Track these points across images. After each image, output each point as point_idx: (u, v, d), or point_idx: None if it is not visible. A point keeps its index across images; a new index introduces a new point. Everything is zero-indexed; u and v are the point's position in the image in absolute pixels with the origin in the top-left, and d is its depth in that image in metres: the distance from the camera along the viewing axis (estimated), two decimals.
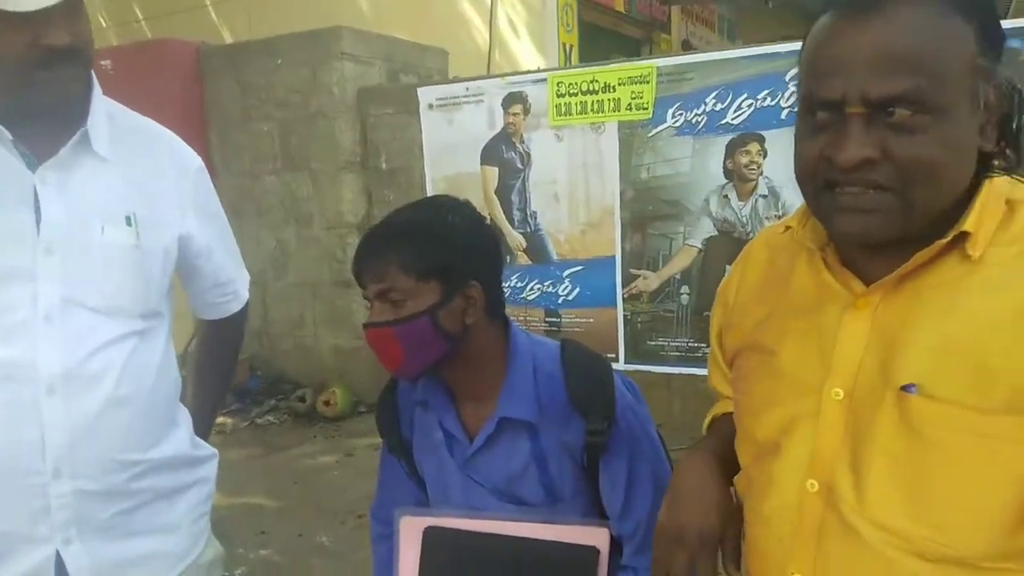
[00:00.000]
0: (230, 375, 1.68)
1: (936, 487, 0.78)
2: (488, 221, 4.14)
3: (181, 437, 1.37)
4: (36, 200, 1.17)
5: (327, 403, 4.74)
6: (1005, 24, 3.01)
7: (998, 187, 0.82)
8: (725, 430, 1.07)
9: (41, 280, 1.16)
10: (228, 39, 6.89)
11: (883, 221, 0.78)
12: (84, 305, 1.19)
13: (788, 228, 0.95)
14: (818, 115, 0.79)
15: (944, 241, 0.79)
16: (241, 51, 5.05)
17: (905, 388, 0.79)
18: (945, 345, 0.78)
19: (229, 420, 4.71)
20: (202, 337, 1.59)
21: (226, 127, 5.11)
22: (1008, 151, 0.82)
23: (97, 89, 1.26)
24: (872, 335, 0.83)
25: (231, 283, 1.51)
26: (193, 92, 5.11)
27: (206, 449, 1.45)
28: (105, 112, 1.27)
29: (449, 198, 1.32)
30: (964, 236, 0.79)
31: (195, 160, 1.41)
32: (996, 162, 0.81)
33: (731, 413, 1.10)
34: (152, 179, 1.30)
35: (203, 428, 1.49)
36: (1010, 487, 0.75)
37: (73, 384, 1.17)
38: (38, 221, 1.17)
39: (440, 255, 1.18)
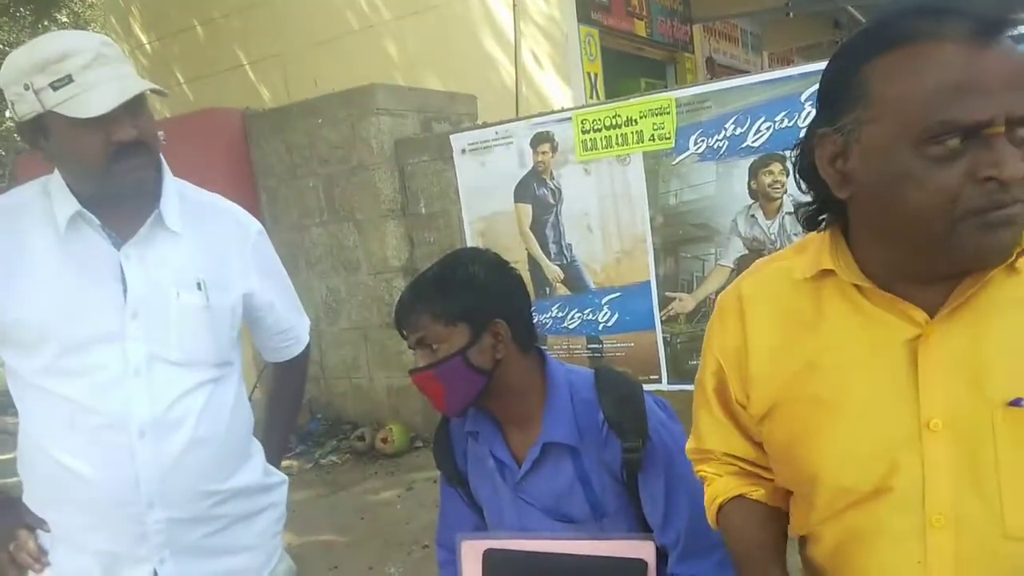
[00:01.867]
0: (297, 408, 1.86)
1: None
2: (525, 256, 4.24)
3: (255, 467, 1.54)
4: (122, 273, 1.37)
5: (385, 440, 4.89)
6: None
7: None
8: (767, 540, 1.06)
9: (129, 340, 1.36)
10: (267, 97, 7.24)
11: (1020, 232, 0.80)
12: (166, 360, 1.38)
13: (822, 272, 0.93)
14: (949, 143, 0.77)
15: (1012, 259, 0.81)
16: (284, 114, 5.32)
17: (1014, 403, 0.81)
18: None
19: (295, 463, 4.88)
20: (270, 377, 1.78)
21: (274, 185, 5.37)
22: None
23: (167, 171, 1.45)
24: (949, 360, 0.84)
25: (292, 330, 1.69)
26: (241, 155, 5.39)
27: (277, 476, 1.62)
28: (176, 192, 1.45)
29: (471, 249, 1.49)
30: (1020, 252, 0.82)
31: (255, 225, 1.59)
32: None
33: (741, 496, 1.09)
34: (218, 247, 1.49)
35: (275, 457, 1.66)
36: None
37: (160, 428, 1.36)
38: (124, 291, 1.36)
39: (463, 301, 1.33)
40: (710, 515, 1.15)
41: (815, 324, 0.94)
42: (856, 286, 0.90)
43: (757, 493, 1.09)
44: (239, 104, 5.77)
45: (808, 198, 0.96)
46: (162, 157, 1.44)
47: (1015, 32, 0.79)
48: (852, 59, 0.84)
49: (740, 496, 1.10)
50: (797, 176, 0.95)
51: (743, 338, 1.02)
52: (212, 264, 1.46)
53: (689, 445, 1.18)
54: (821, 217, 0.96)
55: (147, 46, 8.40)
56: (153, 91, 1.36)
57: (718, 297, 1.08)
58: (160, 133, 1.43)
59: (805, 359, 0.94)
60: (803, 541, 1.05)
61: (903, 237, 0.84)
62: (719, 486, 1.12)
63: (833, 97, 0.87)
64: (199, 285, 1.42)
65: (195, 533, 1.42)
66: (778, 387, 0.97)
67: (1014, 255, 0.82)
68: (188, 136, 4.86)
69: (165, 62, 8.11)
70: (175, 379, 1.38)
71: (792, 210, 3.53)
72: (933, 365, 0.85)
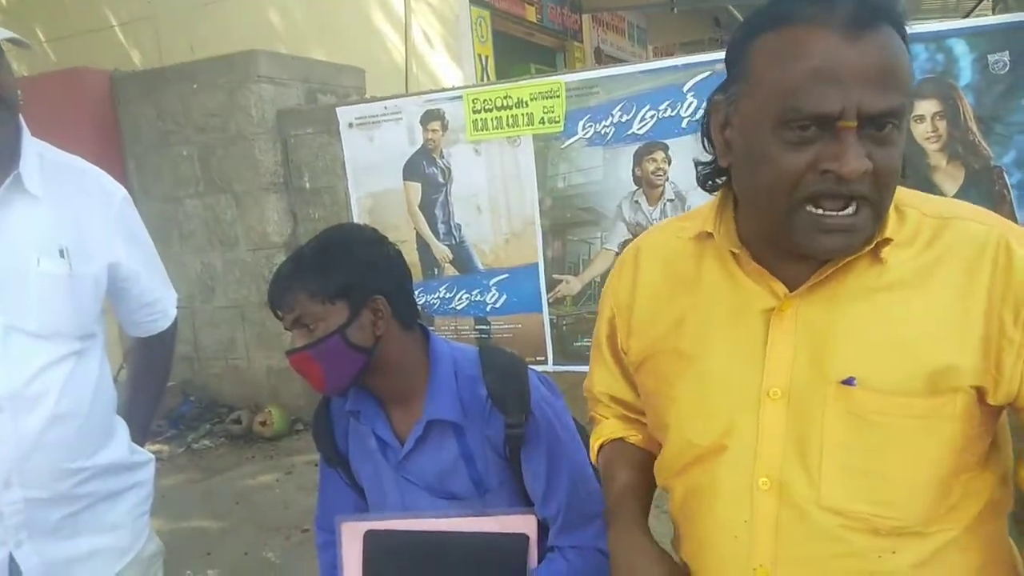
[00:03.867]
0: (163, 385, 1.78)
1: (885, 468, 0.85)
2: (414, 236, 4.19)
3: (119, 445, 1.48)
4: None
5: (263, 423, 4.74)
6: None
7: None
8: (631, 479, 1.08)
9: None
10: (138, 61, 6.79)
11: (863, 236, 0.82)
12: (25, 331, 1.29)
13: (704, 233, 0.96)
14: (802, 129, 0.79)
15: (870, 247, 0.84)
16: (155, 77, 5.01)
17: (846, 382, 0.85)
18: (871, 340, 0.85)
19: (165, 447, 4.65)
20: (134, 353, 1.69)
21: (144, 152, 5.05)
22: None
23: (26, 132, 1.35)
24: (799, 335, 0.88)
25: (158, 303, 1.61)
26: (107, 119, 5.05)
27: (142, 455, 1.56)
28: (35, 153, 1.35)
29: (348, 224, 1.45)
30: (883, 241, 0.85)
31: (120, 191, 1.51)
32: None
33: (621, 439, 1.15)
34: (81, 213, 1.40)
35: (140, 436, 1.59)
36: (942, 458, 0.84)
37: (19, 403, 1.27)
38: None
39: (340, 277, 1.29)
40: (592, 454, 1.20)
41: (692, 283, 0.97)
42: (731, 252, 0.93)
43: (635, 438, 1.14)
44: (108, 67, 5.38)
45: (710, 158, 0.98)
46: (20, 116, 1.34)
47: (904, 24, 0.80)
48: (744, 33, 0.86)
49: (621, 439, 1.15)
50: (703, 137, 0.97)
51: (633, 289, 1.05)
52: (75, 230, 1.37)
53: (585, 383, 1.23)
54: (717, 180, 0.98)
55: (2, 1, 7.69)
56: (11, 41, 1.25)
57: (623, 249, 1.12)
58: (17, 92, 1.31)
59: (677, 314, 0.98)
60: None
61: (758, 211, 0.88)
62: (604, 428, 1.18)
63: (728, 67, 0.89)
64: (62, 252, 1.34)
65: (56, 513, 1.34)
66: (652, 339, 1.01)
67: (873, 243, 0.84)
68: (48, 96, 4.52)
69: (23, 18, 7.44)
70: (34, 352, 1.30)
71: (673, 197, 3.65)
72: (781, 337, 0.88)
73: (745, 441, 0.90)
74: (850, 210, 0.80)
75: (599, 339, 1.15)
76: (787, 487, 0.87)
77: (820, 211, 0.80)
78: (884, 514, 0.85)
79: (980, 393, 0.83)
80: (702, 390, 0.94)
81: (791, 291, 0.89)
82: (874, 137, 0.78)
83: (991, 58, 3.22)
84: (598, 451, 1.18)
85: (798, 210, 0.81)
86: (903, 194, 0.88)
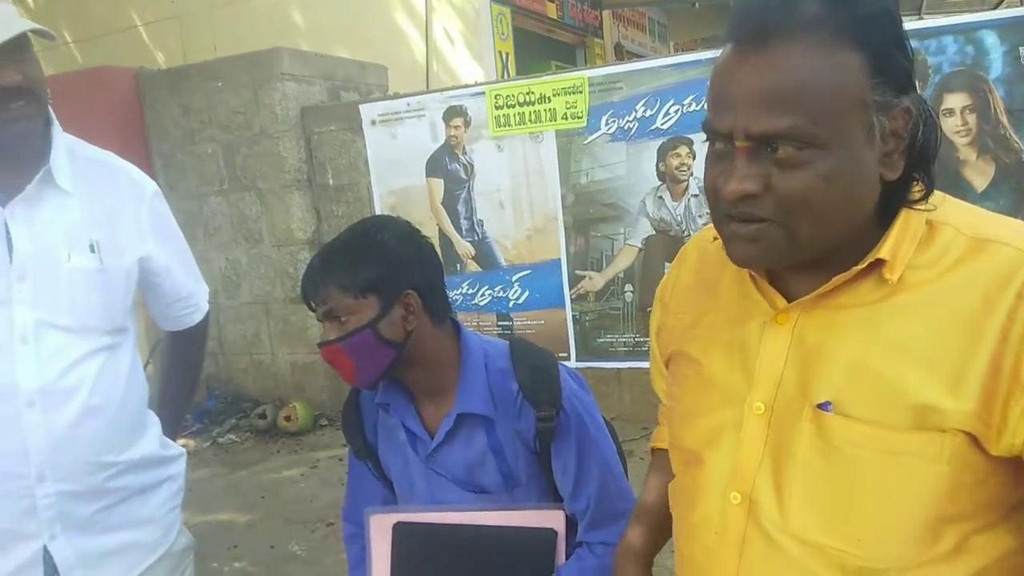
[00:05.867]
0: (195, 380, 1.79)
1: (853, 502, 0.79)
2: (436, 232, 4.20)
3: (151, 439, 1.49)
4: (7, 233, 1.28)
5: (288, 419, 4.77)
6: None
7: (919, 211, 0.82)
8: (659, 498, 1.09)
9: (16, 305, 1.27)
10: (162, 61, 6.87)
11: (767, 250, 0.80)
12: (56, 325, 1.30)
13: (716, 238, 0.93)
14: (715, 144, 0.80)
15: (860, 267, 0.79)
16: (180, 75, 5.06)
17: (821, 406, 0.80)
18: (858, 365, 0.79)
19: (191, 441, 4.69)
20: (167, 347, 1.70)
21: (169, 150, 5.11)
22: (921, 179, 0.80)
23: (56, 126, 1.36)
24: (791, 350, 0.84)
25: (191, 297, 1.62)
26: (133, 117, 5.11)
27: (174, 449, 1.57)
28: (65, 148, 1.36)
29: (381, 217, 1.44)
30: (881, 261, 0.79)
31: (150, 186, 1.52)
32: (914, 193, 0.81)
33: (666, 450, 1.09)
34: (112, 207, 1.41)
35: (172, 430, 1.60)
36: (923, 500, 0.77)
37: (50, 398, 1.28)
38: (10, 252, 1.27)
39: (372, 272, 1.28)
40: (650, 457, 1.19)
41: (713, 286, 0.96)
42: None
43: None
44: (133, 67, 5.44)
45: None
46: (51, 110, 1.35)
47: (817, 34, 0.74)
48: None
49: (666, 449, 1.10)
50: None
51: (673, 289, 1.05)
52: (106, 225, 1.38)
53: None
54: None
55: (29, 1, 7.80)
56: (37, 32, 1.26)
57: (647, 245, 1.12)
58: (46, 85, 1.32)
59: (696, 317, 0.97)
60: None
61: None
62: (659, 433, 1.17)
63: None
64: (92, 247, 1.35)
65: (89, 507, 1.35)
66: (674, 340, 1.01)
67: (866, 262, 0.80)
68: (74, 95, 4.57)
69: (50, 19, 7.54)
70: (66, 346, 1.31)
71: (697, 192, 3.63)
72: (774, 350, 0.85)
73: (724, 453, 0.88)
74: (753, 223, 0.79)
75: (651, 337, 1.12)
76: (756, 506, 0.85)
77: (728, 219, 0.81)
78: (851, 551, 0.79)
79: (975, 439, 0.75)
80: (699, 397, 0.93)
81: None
82: (774, 160, 0.76)
83: (1022, 50, 3.16)
84: (653, 455, 1.18)
85: (721, 220, 0.82)
86: (948, 207, 0.82)
